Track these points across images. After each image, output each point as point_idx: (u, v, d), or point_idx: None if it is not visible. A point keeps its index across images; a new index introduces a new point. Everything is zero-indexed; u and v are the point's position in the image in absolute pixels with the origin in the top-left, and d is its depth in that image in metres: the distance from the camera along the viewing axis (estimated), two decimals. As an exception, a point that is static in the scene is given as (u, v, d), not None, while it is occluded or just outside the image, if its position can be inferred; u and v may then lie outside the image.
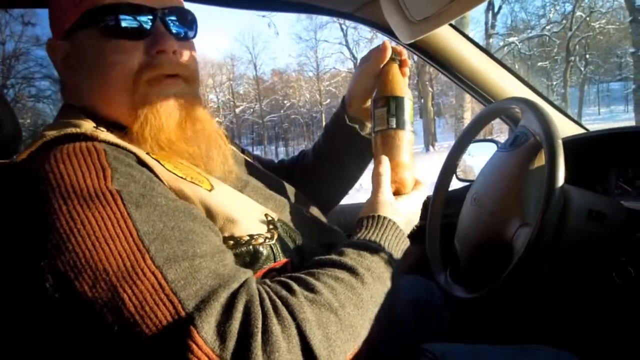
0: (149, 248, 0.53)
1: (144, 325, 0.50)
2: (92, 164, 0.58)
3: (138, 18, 0.71)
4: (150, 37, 0.72)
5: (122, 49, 0.71)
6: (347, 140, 1.04)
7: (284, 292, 0.58)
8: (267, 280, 0.62)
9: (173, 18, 0.75)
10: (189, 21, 0.79)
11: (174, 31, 0.74)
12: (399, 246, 0.74)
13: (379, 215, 0.75)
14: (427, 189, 0.85)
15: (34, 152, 0.62)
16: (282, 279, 0.62)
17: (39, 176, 0.57)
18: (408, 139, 0.85)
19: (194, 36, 0.81)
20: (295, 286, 0.59)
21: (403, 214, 0.78)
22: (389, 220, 0.75)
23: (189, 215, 0.60)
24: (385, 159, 0.81)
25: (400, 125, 0.84)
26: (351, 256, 0.67)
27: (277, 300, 0.56)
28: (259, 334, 0.52)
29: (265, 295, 0.56)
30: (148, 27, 0.72)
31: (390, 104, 0.85)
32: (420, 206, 0.83)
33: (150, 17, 0.72)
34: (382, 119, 0.85)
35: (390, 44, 0.92)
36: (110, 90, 0.72)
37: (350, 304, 0.61)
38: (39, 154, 0.61)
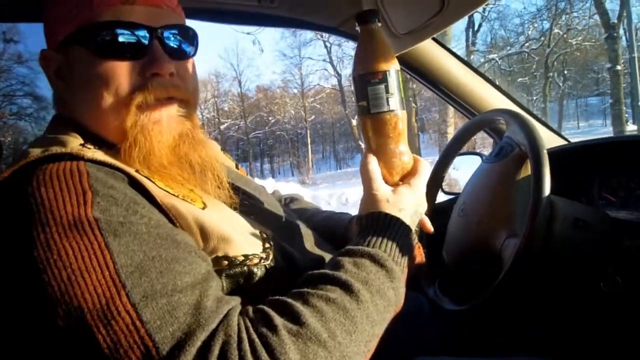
0: (124, 283, 0.51)
1: None
2: (73, 187, 0.56)
3: (134, 37, 0.67)
4: (147, 57, 0.68)
5: (115, 70, 0.66)
6: (336, 234, 0.98)
7: (264, 330, 0.53)
8: (250, 310, 0.58)
9: (171, 37, 0.70)
10: (189, 38, 0.74)
11: (172, 51, 0.70)
12: (405, 245, 0.68)
13: (379, 213, 0.69)
14: (428, 170, 0.76)
15: (16, 170, 0.60)
16: (265, 309, 0.57)
17: (19, 199, 0.55)
18: (405, 120, 0.73)
19: (195, 53, 0.76)
20: (278, 320, 0.55)
21: (404, 207, 0.71)
22: (390, 217, 0.69)
23: (172, 242, 0.58)
24: (371, 152, 0.75)
25: (402, 105, 0.72)
26: (347, 268, 0.62)
27: (256, 340, 0.52)
28: None
29: (244, 335, 0.53)
30: (144, 46, 0.68)
31: (388, 79, 0.70)
32: (424, 191, 0.75)
33: (147, 36, 0.68)
34: (379, 99, 0.71)
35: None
36: (100, 110, 0.68)
37: (342, 330, 0.56)
38: (22, 171, 0.59)
